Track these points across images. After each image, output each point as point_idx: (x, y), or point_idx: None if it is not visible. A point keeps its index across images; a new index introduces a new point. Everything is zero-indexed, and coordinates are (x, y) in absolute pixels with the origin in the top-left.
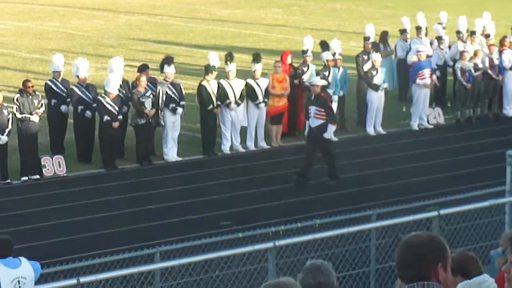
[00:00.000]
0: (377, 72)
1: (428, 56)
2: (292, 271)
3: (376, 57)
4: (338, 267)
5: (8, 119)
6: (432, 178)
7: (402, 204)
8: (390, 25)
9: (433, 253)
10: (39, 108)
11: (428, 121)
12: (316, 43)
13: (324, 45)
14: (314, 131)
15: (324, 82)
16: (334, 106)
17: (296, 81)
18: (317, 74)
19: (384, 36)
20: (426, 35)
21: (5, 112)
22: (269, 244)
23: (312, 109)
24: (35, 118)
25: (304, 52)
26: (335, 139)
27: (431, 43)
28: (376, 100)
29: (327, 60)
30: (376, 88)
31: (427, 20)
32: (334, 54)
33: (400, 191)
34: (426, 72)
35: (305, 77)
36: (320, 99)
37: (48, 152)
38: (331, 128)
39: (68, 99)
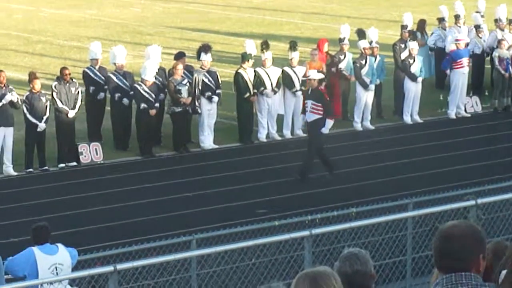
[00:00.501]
0: (414, 60)
1: (466, 45)
2: (328, 260)
3: (413, 45)
4: (375, 255)
5: (46, 107)
6: (469, 167)
7: (439, 193)
8: (428, 13)
9: (474, 244)
10: (76, 98)
11: (465, 110)
12: (353, 31)
13: (361, 33)
14: (310, 125)
15: (320, 76)
16: (371, 95)
17: (333, 69)
18: (354, 62)
19: (422, 24)
20: (464, 23)
21: (43, 99)
22: (306, 232)
23: (309, 103)
24: (71, 113)
25: (341, 40)
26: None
27: (469, 32)
28: (413, 88)
29: (364, 49)
30: (413, 77)
31: (465, 8)
32: (371, 43)
33: (437, 180)
34: (465, 60)
35: (342, 66)
36: (317, 93)
37: (85, 139)
38: (329, 123)
39: (106, 87)
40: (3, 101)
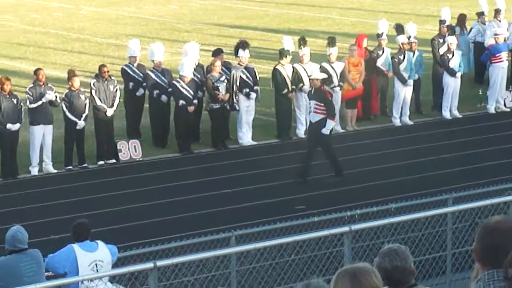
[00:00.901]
0: (453, 55)
1: (505, 39)
2: (367, 256)
3: (452, 40)
4: (414, 251)
5: (85, 104)
6: (509, 161)
7: (478, 188)
8: (467, 7)
9: None
10: (115, 97)
11: (505, 104)
12: (391, 26)
13: (399, 29)
14: (314, 126)
15: (324, 76)
16: (409, 90)
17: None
18: (392, 57)
19: (462, 19)
20: (504, 18)
21: (82, 97)
22: (345, 228)
23: (312, 103)
24: (110, 112)
25: (379, 35)
26: (337, 128)
27: (508, 26)
28: (452, 83)
29: (402, 44)
30: (452, 72)
31: (506, 3)
32: (409, 38)
33: (476, 175)
34: (503, 55)
35: (380, 61)
36: (320, 93)
37: (124, 137)
38: (330, 123)
39: (144, 84)
40: (43, 100)
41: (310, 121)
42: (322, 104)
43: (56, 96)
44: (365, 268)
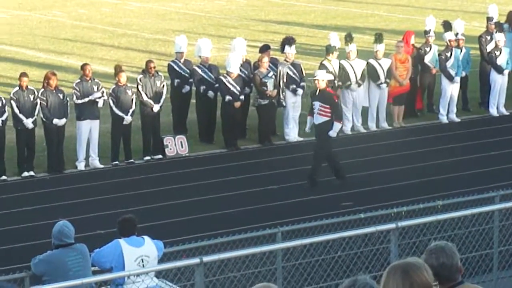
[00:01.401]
0: (500, 52)
1: None
2: (414, 253)
3: (499, 37)
4: (461, 248)
5: (132, 100)
6: None
7: None
8: None
9: None
10: (161, 93)
11: None
12: (438, 23)
13: (447, 25)
14: (317, 129)
15: (329, 76)
16: (456, 87)
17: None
18: (439, 54)
19: (511, 16)
20: None
21: (129, 92)
22: (392, 225)
23: (316, 105)
24: (156, 108)
25: (426, 32)
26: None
27: None
28: (500, 80)
29: (450, 41)
30: (499, 69)
31: None
32: (456, 34)
33: None
34: None
35: (427, 58)
36: (325, 95)
37: (170, 132)
38: (337, 126)
39: (191, 80)
40: (91, 97)
41: (314, 123)
42: (327, 106)
43: (102, 92)
44: (417, 263)
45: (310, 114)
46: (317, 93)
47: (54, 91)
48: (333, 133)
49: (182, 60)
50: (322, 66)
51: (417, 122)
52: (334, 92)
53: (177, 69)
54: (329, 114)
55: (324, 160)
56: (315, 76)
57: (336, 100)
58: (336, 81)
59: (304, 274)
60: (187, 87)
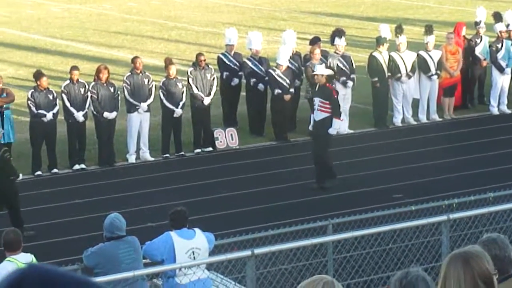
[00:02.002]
0: None
1: None
2: (466, 244)
3: None
4: None
5: (182, 92)
6: None
7: None
8: None
9: None
10: (211, 85)
11: None
12: (489, 14)
13: (498, 16)
14: (317, 125)
15: (329, 72)
16: (507, 78)
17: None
18: (490, 46)
19: None
20: None
21: (179, 85)
22: (443, 217)
23: (316, 101)
24: (207, 100)
25: (477, 23)
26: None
27: None
28: None
29: (500, 32)
30: None
31: None
32: (507, 26)
33: None
34: None
35: (478, 49)
36: (325, 90)
37: (220, 125)
38: (336, 123)
39: (240, 72)
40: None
41: (314, 120)
42: (327, 102)
43: (151, 84)
44: (478, 252)
45: (312, 111)
46: (317, 89)
47: (105, 85)
48: (332, 130)
49: (231, 53)
50: (372, 58)
51: (468, 114)
52: (333, 88)
53: (227, 61)
54: (329, 110)
55: (329, 152)
56: (315, 72)
57: (336, 96)
58: (337, 76)
59: (355, 267)
60: (236, 80)
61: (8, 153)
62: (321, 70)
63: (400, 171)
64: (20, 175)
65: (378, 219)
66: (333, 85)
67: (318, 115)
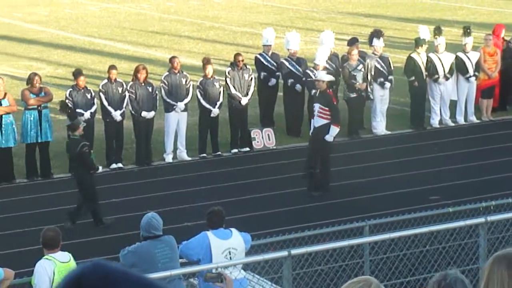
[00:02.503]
0: None
1: None
2: (503, 247)
3: None
4: None
5: (220, 92)
6: None
7: None
8: None
9: None
10: (249, 86)
11: None
12: None
13: None
14: (317, 131)
15: (330, 78)
16: None
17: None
18: None
19: None
20: None
21: (217, 85)
22: (481, 219)
23: (316, 107)
24: (244, 101)
25: None
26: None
27: None
28: None
29: None
30: None
31: None
32: None
33: None
34: None
35: None
36: (325, 97)
37: (257, 125)
38: (334, 130)
39: (277, 73)
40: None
41: (314, 126)
42: (326, 109)
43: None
44: None
45: (312, 116)
46: (317, 95)
47: (143, 84)
48: (329, 137)
49: (269, 53)
50: (410, 59)
51: (506, 116)
52: (334, 94)
53: (264, 62)
54: (329, 117)
55: (329, 164)
56: (316, 77)
57: (335, 103)
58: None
59: (391, 268)
60: (273, 80)
61: (87, 147)
62: (321, 76)
63: (437, 172)
64: (100, 168)
65: (415, 220)
66: (333, 90)
67: (318, 121)
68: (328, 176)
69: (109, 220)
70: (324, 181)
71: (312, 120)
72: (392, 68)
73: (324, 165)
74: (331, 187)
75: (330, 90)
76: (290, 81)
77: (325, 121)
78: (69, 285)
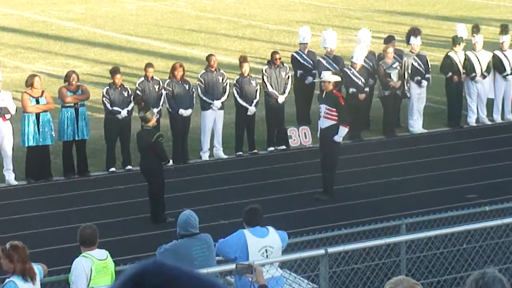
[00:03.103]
0: None
1: None
2: None
3: None
4: None
5: (256, 90)
6: None
7: None
8: None
9: None
10: (286, 84)
11: None
12: None
13: None
14: (324, 133)
15: (336, 78)
16: None
17: None
18: None
19: None
20: None
21: (253, 83)
22: None
23: (322, 108)
24: (281, 99)
25: None
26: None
27: None
28: None
29: None
30: None
31: None
32: None
33: None
34: None
35: None
36: (332, 97)
37: (294, 123)
38: (343, 130)
39: (314, 71)
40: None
41: (320, 127)
42: (334, 110)
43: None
44: None
45: (318, 118)
46: (323, 96)
47: (180, 82)
48: (338, 138)
49: (305, 51)
50: (447, 58)
51: None
52: (341, 94)
53: (301, 60)
54: (336, 118)
55: (335, 168)
56: (321, 78)
57: (343, 103)
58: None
59: (428, 266)
60: (310, 78)
61: (161, 138)
62: (327, 77)
63: (474, 171)
64: (170, 161)
65: (452, 219)
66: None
67: (324, 123)
68: (332, 179)
69: (171, 219)
70: (327, 184)
71: (318, 121)
72: (429, 66)
73: (329, 168)
74: (366, 185)
75: (337, 90)
76: None
77: (332, 122)
78: (128, 285)
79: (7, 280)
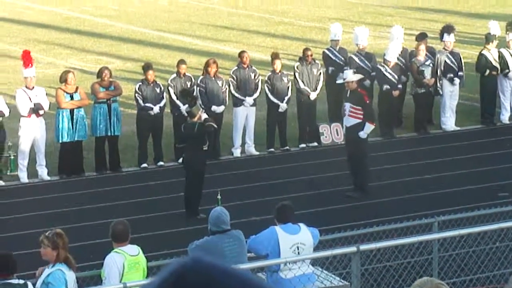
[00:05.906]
0: None
1: None
2: None
3: None
4: None
5: (288, 87)
6: None
7: None
8: None
9: None
10: (318, 80)
11: None
12: None
13: None
14: (349, 131)
15: (359, 76)
16: None
17: None
18: None
19: None
20: None
21: (285, 80)
22: None
23: (347, 106)
24: (313, 95)
25: None
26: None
27: None
28: None
29: None
30: None
31: None
32: None
33: None
34: None
35: None
36: (356, 95)
37: (326, 120)
38: (369, 127)
39: (346, 68)
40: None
41: (345, 126)
42: (359, 108)
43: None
44: None
45: (343, 116)
46: (348, 94)
47: (213, 78)
48: (363, 134)
49: (337, 48)
50: (481, 56)
51: None
52: (365, 92)
53: (332, 57)
54: (361, 116)
55: (367, 163)
56: (344, 79)
57: (368, 101)
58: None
59: (460, 265)
60: (340, 80)
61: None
62: (350, 77)
63: (507, 169)
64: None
65: (484, 217)
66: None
67: (349, 121)
68: (366, 176)
69: (202, 215)
70: (361, 182)
71: (343, 120)
72: (463, 64)
73: (359, 165)
74: (399, 183)
75: (361, 88)
76: None
77: (357, 121)
78: (168, 284)
79: (51, 268)
